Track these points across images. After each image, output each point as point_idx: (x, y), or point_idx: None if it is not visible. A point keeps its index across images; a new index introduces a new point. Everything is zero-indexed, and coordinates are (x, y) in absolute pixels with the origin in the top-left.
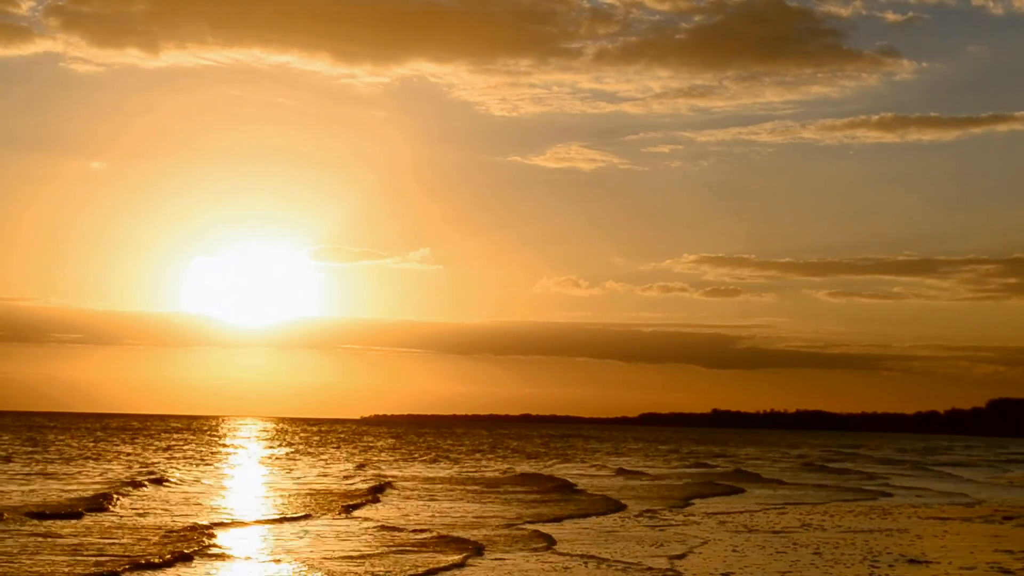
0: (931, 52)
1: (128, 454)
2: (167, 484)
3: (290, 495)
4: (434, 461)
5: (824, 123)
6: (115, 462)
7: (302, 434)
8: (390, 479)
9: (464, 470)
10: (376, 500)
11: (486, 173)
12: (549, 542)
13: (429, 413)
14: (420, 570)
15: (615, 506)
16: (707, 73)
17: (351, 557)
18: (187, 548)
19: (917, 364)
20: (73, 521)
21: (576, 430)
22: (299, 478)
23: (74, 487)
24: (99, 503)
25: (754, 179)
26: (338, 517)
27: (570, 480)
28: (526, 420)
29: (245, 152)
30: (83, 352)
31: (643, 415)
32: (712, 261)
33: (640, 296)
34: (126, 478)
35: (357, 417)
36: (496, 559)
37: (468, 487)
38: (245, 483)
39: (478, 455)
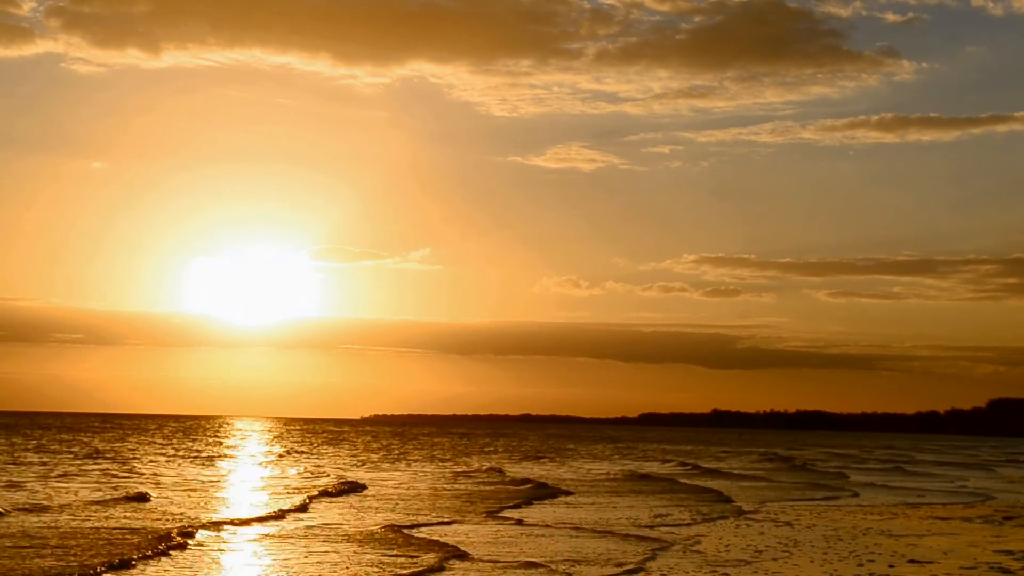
0: (931, 53)
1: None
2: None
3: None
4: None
5: (824, 123)
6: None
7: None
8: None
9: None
10: None
11: (486, 173)
12: None
13: (429, 413)
14: None
15: None
16: (707, 74)
17: None
18: None
19: (917, 364)
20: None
21: (589, 431)
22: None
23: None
24: None
25: (754, 179)
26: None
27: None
28: (526, 420)
29: (246, 152)
30: (84, 352)
31: (643, 415)
32: (712, 261)
33: (640, 296)
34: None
35: (357, 417)
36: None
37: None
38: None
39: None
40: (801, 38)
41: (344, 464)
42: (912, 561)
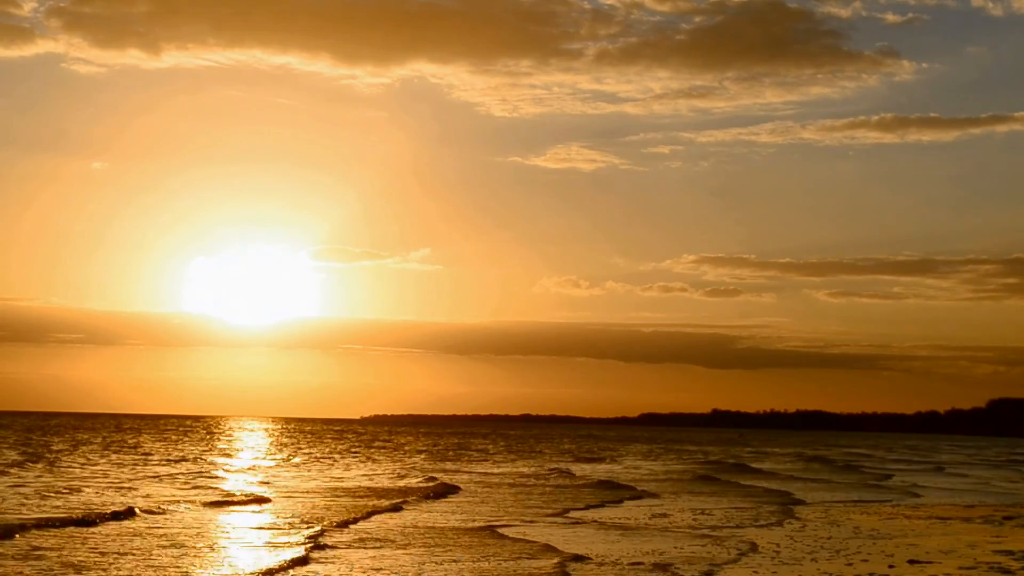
0: (931, 53)
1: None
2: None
3: None
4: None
5: (824, 124)
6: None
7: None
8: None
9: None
10: None
11: (486, 173)
12: None
13: (429, 413)
14: None
15: None
16: (707, 74)
17: None
18: None
19: (917, 364)
20: None
21: (603, 430)
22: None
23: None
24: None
25: (754, 179)
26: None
27: None
28: (526, 420)
29: (246, 153)
30: (84, 352)
31: (643, 415)
32: (712, 261)
33: (640, 296)
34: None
35: (357, 417)
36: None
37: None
38: None
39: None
40: (801, 38)
41: (422, 462)
42: (912, 561)
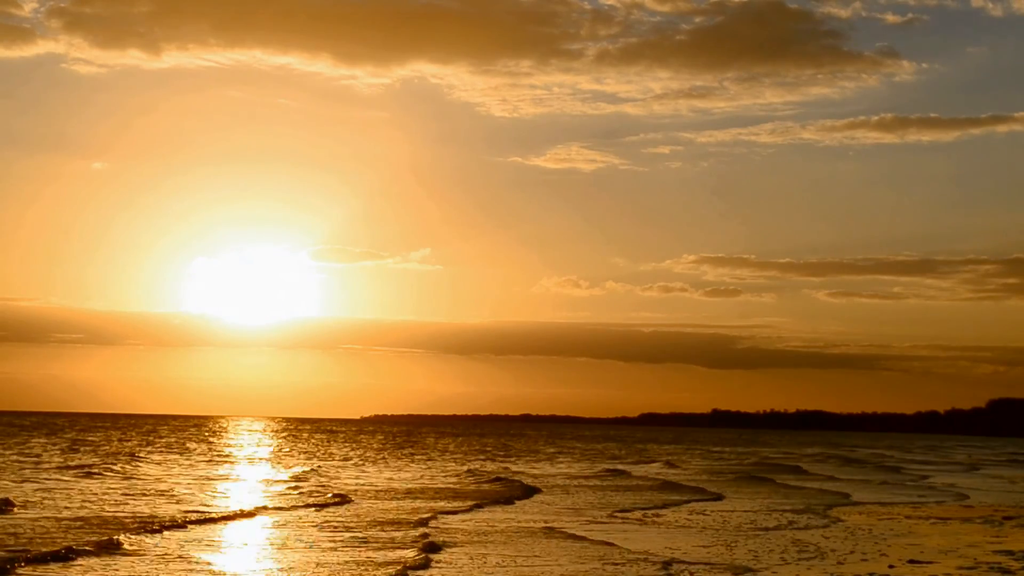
0: (931, 53)
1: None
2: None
3: None
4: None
5: (824, 124)
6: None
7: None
8: None
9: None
10: None
11: (487, 174)
12: None
13: (429, 413)
14: None
15: None
16: (707, 74)
17: None
18: None
19: (917, 364)
20: None
21: (617, 431)
22: None
23: None
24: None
25: (754, 180)
26: None
27: None
28: (526, 420)
29: (246, 153)
30: (84, 352)
31: (643, 415)
32: (712, 261)
33: (640, 296)
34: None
35: (357, 417)
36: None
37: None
38: None
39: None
40: (801, 39)
41: (484, 462)
42: (912, 561)
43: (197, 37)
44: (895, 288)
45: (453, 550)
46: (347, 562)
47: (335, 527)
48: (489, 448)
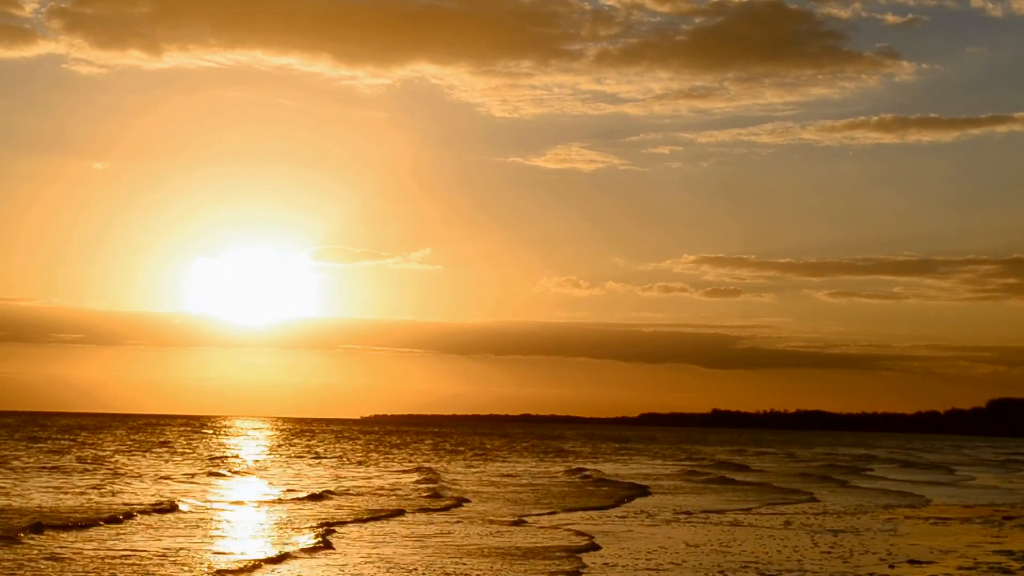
0: (931, 53)
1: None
2: None
3: None
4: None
5: (824, 124)
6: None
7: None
8: None
9: None
10: None
11: (487, 174)
12: None
13: (429, 413)
14: None
15: None
16: (707, 75)
17: None
18: None
19: (917, 364)
20: None
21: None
22: None
23: None
24: None
25: (754, 180)
26: None
27: None
28: (526, 420)
29: (247, 153)
30: (84, 352)
31: (643, 415)
32: (712, 261)
33: (640, 296)
34: None
35: (357, 417)
36: None
37: None
38: None
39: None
40: (801, 39)
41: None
42: (912, 561)
43: (198, 37)
44: (895, 288)
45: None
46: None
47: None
48: (553, 449)
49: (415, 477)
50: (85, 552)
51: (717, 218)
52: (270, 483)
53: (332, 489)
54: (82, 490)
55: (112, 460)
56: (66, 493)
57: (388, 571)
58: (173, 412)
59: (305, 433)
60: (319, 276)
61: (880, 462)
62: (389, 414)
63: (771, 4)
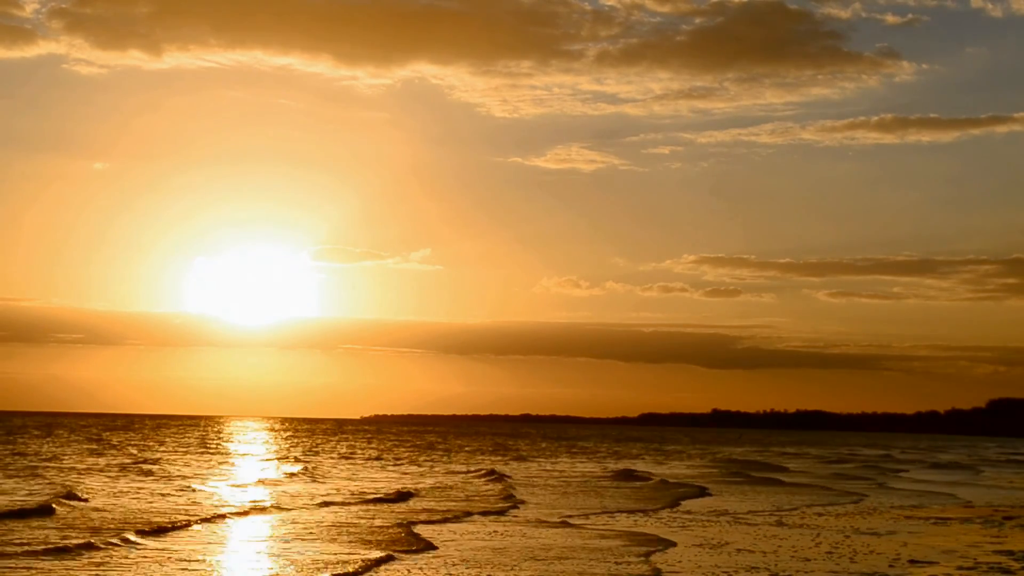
0: (931, 54)
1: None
2: None
3: None
4: None
5: (824, 124)
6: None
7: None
8: None
9: None
10: None
11: (487, 174)
12: None
13: (429, 413)
14: None
15: None
16: (707, 75)
17: None
18: None
19: (917, 364)
20: None
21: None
22: None
23: None
24: None
25: (754, 180)
26: None
27: None
28: (526, 420)
29: (247, 153)
30: (85, 352)
31: (643, 415)
32: (712, 261)
33: (640, 296)
34: None
35: (357, 417)
36: None
37: None
38: None
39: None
40: (801, 39)
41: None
42: (912, 561)
43: (198, 38)
44: (895, 288)
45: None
46: None
47: None
48: (598, 450)
49: (482, 476)
50: (207, 553)
51: (717, 218)
52: (345, 484)
53: (412, 490)
54: (168, 492)
55: (171, 462)
56: (158, 495)
57: (496, 567)
58: (173, 412)
59: (333, 433)
60: (319, 276)
61: (907, 463)
62: (389, 414)
63: (771, 4)
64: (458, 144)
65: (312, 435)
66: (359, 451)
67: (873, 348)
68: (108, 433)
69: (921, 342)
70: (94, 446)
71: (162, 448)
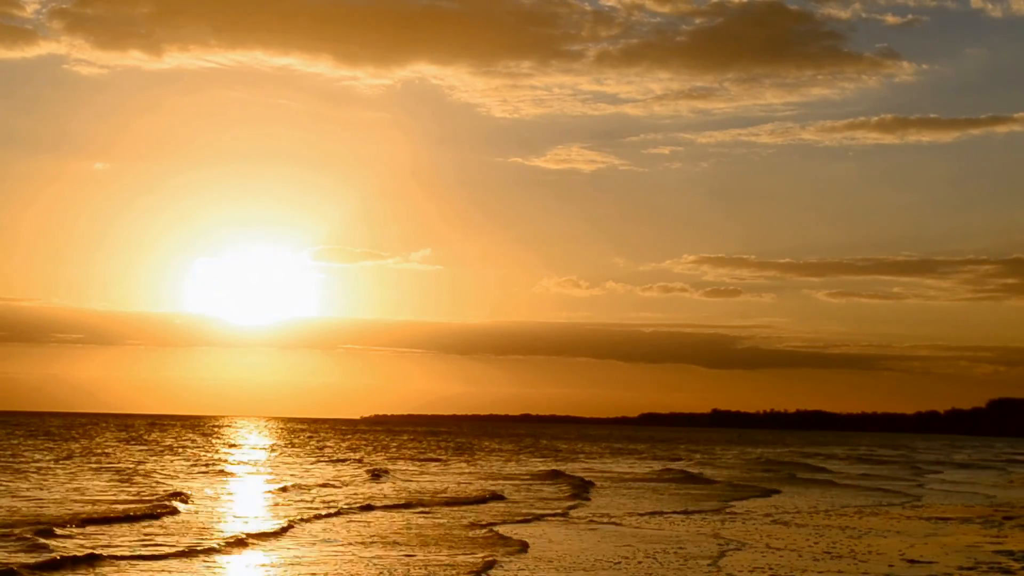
0: (930, 54)
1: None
2: None
3: None
4: None
5: (824, 124)
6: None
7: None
8: None
9: None
10: None
11: (487, 174)
12: None
13: (429, 413)
14: None
15: None
16: (707, 75)
17: None
18: None
19: (917, 364)
20: None
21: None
22: None
23: None
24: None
25: (754, 180)
26: None
27: None
28: (526, 420)
29: (247, 153)
30: (85, 352)
31: (643, 415)
32: (712, 261)
33: (640, 296)
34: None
35: (357, 417)
36: None
37: None
38: None
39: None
40: (801, 40)
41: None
42: (912, 561)
43: (198, 38)
44: (895, 288)
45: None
46: None
47: None
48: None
49: (544, 478)
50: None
51: (717, 218)
52: (428, 485)
53: (498, 492)
54: (259, 493)
55: (247, 462)
56: (254, 496)
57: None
58: (173, 412)
59: (365, 433)
60: (319, 276)
61: (935, 464)
62: (389, 414)
63: (771, 5)
64: (458, 144)
65: (353, 435)
66: (403, 451)
67: (873, 348)
68: (157, 433)
69: (921, 342)
70: (164, 446)
71: (231, 449)
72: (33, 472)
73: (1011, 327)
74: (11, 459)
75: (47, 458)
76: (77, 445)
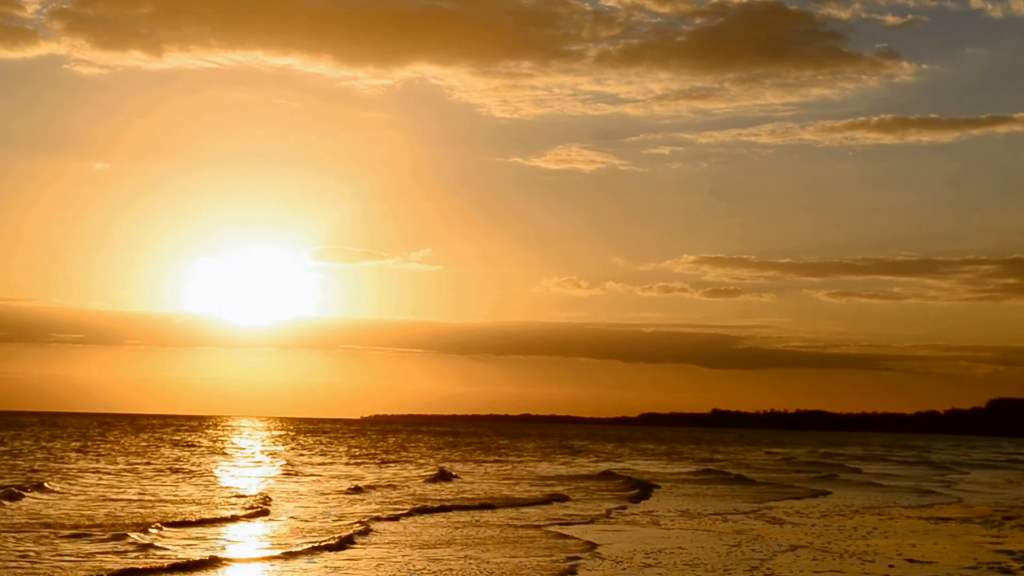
0: (930, 54)
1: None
2: None
3: None
4: None
5: (824, 124)
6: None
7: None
8: None
9: None
10: None
11: (487, 174)
12: None
13: (429, 413)
14: None
15: None
16: (708, 75)
17: None
18: None
19: (917, 364)
20: None
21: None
22: None
23: None
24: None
25: (754, 180)
26: None
27: None
28: (526, 420)
29: (247, 154)
30: (85, 352)
31: (643, 415)
32: (712, 261)
33: (640, 296)
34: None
35: (357, 417)
36: None
37: None
38: None
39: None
40: (801, 40)
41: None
42: (912, 561)
43: (198, 38)
44: (895, 288)
45: None
46: None
47: None
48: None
49: (598, 476)
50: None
51: (717, 218)
52: (495, 487)
53: (560, 493)
54: (330, 492)
55: (312, 463)
56: (327, 497)
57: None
58: (174, 412)
59: (395, 433)
60: (319, 276)
61: (961, 465)
62: (389, 414)
63: (771, 5)
64: (458, 144)
65: (380, 436)
66: (445, 453)
67: (873, 348)
68: (195, 435)
69: (921, 342)
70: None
71: (287, 448)
72: (90, 473)
73: (1011, 327)
74: (58, 461)
75: (87, 459)
76: (107, 445)
